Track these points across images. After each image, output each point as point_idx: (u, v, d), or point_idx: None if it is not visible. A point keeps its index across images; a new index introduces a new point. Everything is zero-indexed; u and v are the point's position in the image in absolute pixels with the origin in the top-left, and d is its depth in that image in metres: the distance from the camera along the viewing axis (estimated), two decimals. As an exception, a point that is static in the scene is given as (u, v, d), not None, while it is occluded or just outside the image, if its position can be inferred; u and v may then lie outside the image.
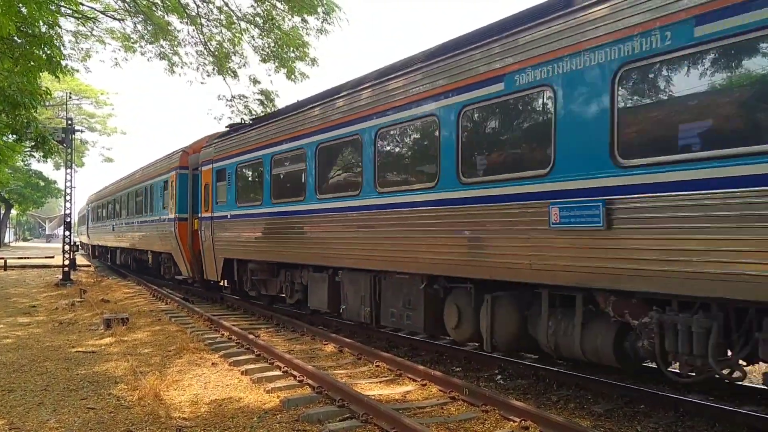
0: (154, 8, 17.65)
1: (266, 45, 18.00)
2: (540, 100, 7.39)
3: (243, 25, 17.86)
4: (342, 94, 11.15)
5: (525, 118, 7.83)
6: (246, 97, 19.85)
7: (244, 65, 18.70)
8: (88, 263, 38.30)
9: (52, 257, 40.41)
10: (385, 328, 11.95)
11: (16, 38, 13.33)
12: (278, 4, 16.91)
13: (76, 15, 19.02)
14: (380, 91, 10.03)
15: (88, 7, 19.04)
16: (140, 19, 18.54)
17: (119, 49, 20.69)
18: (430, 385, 8.26)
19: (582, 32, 6.76)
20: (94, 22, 19.78)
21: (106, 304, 17.68)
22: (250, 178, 14.73)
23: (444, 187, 8.64)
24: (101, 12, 19.44)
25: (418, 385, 8.36)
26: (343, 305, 11.64)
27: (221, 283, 17.93)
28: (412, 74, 9.34)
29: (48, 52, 13.96)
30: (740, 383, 6.90)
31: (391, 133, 9.88)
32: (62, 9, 16.64)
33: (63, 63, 15.30)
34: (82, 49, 21.66)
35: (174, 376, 8.81)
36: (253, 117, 19.37)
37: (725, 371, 6.28)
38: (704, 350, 5.98)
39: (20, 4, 10.61)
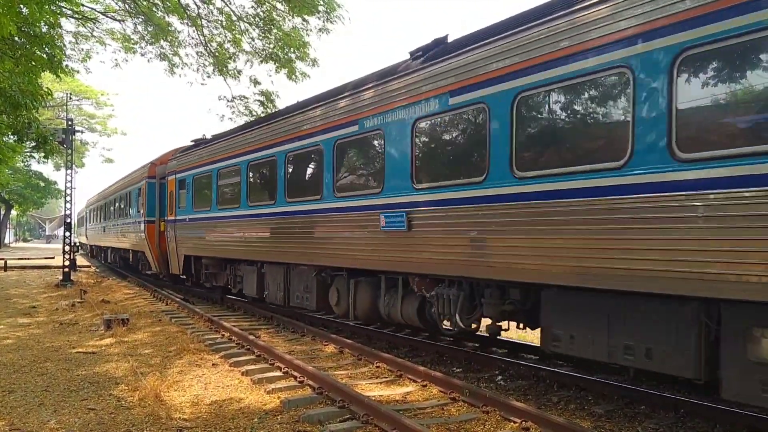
0: (154, 9, 17.62)
1: (266, 46, 17.98)
2: (377, 140, 10.31)
3: (243, 26, 17.84)
4: (264, 124, 14.17)
5: (369, 152, 10.79)
6: (246, 98, 19.85)
7: (249, 63, 18.66)
8: (88, 264, 38.33)
9: (53, 258, 40.44)
10: (386, 329, 12.38)
11: (17, 38, 13.33)
12: (278, 5, 16.90)
13: (76, 16, 19.02)
14: (287, 125, 12.95)
15: (89, 7, 19.06)
16: (141, 20, 18.53)
17: (119, 50, 20.70)
18: (430, 385, 8.27)
19: (396, 95, 9.78)
20: (94, 23, 19.78)
21: (107, 304, 17.69)
22: (203, 188, 17.51)
23: (326, 199, 11.46)
24: (101, 13, 19.44)
25: (418, 385, 8.37)
26: (266, 291, 14.56)
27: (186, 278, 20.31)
28: (307, 113, 12.30)
29: (49, 51, 13.97)
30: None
31: (295, 157, 12.66)
32: (63, 9, 16.64)
33: (64, 63, 15.30)
34: (82, 49, 21.65)
35: (174, 377, 8.82)
36: (253, 117, 19.39)
37: (473, 326, 9.34)
38: (456, 312, 9.01)
39: (21, 5, 10.60)
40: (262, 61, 18.32)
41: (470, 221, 8.30)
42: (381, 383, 8.64)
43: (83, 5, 18.61)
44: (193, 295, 19.73)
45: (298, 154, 12.51)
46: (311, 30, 17.38)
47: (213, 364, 9.66)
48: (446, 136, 9.14)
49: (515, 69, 7.66)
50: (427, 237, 9.05)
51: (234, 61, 18.90)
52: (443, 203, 8.77)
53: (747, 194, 5.45)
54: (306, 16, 16.86)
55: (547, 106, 7.51)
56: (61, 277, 25.81)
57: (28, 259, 42.22)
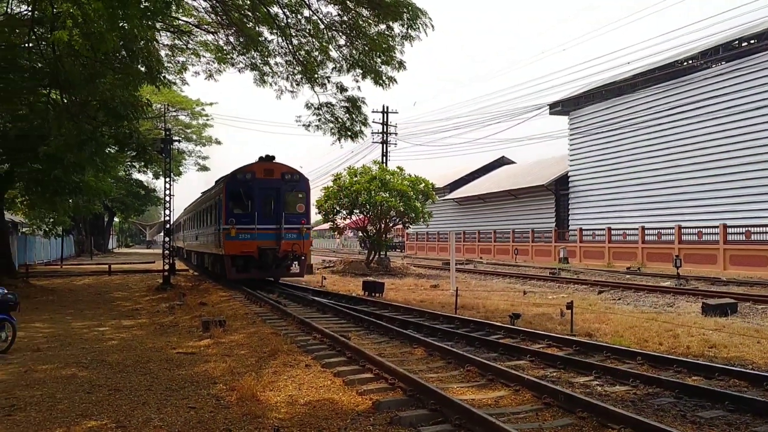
0: (245, 20, 18.09)
1: (353, 52, 18.12)
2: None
3: (330, 34, 18.05)
4: (199, 201, 34.06)
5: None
6: (332, 105, 20.05)
7: (337, 72, 18.85)
8: (186, 267, 39.81)
9: (153, 262, 42.19)
10: (476, 332, 12.09)
11: (117, 54, 13.99)
12: (364, 12, 17.00)
13: (172, 29, 19.78)
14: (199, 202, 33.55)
15: (183, 21, 19.75)
16: (232, 31, 19.06)
17: (212, 61, 21.37)
18: (523, 390, 8.12)
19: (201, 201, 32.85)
20: (189, 36, 20.49)
21: (204, 307, 18.31)
22: (186, 220, 41.94)
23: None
24: (195, 26, 20.10)
25: (510, 390, 8.23)
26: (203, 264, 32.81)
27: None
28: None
29: (148, 64, 14.60)
30: None
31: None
32: (158, 24, 17.34)
33: (162, 75, 15.95)
34: (178, 62, 22.45)
35: (269, 377, 9.02)
36: (339, 125, 19.67)
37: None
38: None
39: (121, 21, 11.11)
40: (349, 68, 18.48)
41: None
42: (472, 387, 8.56)
43: (178, 19, 19.33)
44: (285, 296, 20.22)
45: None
46: (396, 36, 17.39)
47: (306, 366, 9.81)
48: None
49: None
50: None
51: (322, 68, 19.17)
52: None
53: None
54: (390, 23, 16.87)
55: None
56: (161, 281, 26.94)
57: (131, 264, 44.22)
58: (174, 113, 48.13)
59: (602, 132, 49.28)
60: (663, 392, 8.14)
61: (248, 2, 17.31)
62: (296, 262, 24.66)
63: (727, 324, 14.44)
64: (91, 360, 10.93)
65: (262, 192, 23.30)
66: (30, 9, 15.78)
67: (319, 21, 17.80)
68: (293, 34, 18.44)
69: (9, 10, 19.87)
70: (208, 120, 52.27)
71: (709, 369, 9.24)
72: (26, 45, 16.62)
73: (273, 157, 24.36)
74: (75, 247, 61.81)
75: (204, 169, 62.40)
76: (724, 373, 8.98)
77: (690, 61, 42.20)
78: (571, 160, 53.53)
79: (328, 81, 19.41)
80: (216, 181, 27.86)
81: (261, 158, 24.31)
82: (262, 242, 22.82)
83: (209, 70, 21.74)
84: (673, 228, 38.90)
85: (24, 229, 43.38)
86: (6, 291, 12.08)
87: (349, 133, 19.64)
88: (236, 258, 23.10)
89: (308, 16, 17.88)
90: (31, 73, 18.18)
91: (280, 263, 23.75)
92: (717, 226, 35.78)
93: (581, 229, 47.75)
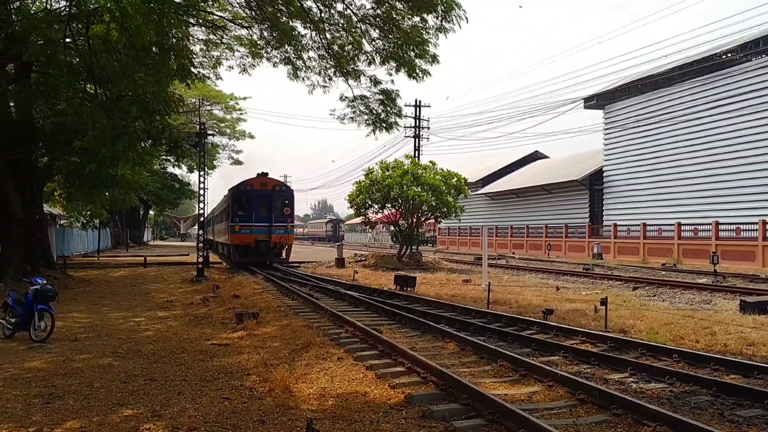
0: (279, 14, 18.12)
1: (386, 45, 18.05)
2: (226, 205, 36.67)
3: (363, 27, 18.01)
4: (220, 203, 43.32)
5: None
6: (367, 98, 19.99)
7: (369, 63, 18.78)
8: (220, 260, 40.22)
9: (187, 255, 42.70)
10: (509, 327, 12.18)
11: (150, 50, 14.10)
12: (398, 4, 16.93)
13: (206, 24, 19.93)
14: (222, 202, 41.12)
15: (218, 16, 19.88)
16: (266, 26, 19.11)
17: (247, 56, 21.48)
18: (556, 386, 8.04)
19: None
20: (223, 31, 20.62)
21: (237, 299, 18.46)
22: (213, 217, 47.61)
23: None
24: (230, 20, 20.21)
25: (544, 386, 8.16)
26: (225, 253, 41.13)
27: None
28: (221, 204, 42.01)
29: (178, 62, 14.71)
30: None
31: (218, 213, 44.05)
32: (192, 18, 17.47)
33: (195, 71, 16.05)
34: (212, 56, 22.63)
35: (302, 370, 9.06)
36: (374, 116, 19.66)
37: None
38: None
39: (156, 16, 11.19)
40: (383, 61, 18.41)
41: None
42: (505, 382, 8.50)
43: (213, 14, 19.47)
44: (317, 290, 20.32)
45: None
46: (430, 29, 17.30)
47: (338, 358, 9.84)
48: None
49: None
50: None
51: (355, 62, 19.13)
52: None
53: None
54: (424, 15, 16.77)
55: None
56: (195, 273, 27.23)
57: (165, 256, 44.80)
58: (208, 107, 48.57)
59: (638, 126, 48.51)
60: (700, 390, 8.01)
61: (282, -4, 17.33)
62: (283, 251, 33.30)
63: (766, 322, 14.14)
64: (127, 350, 11.10)
65: (258, 199, 32.07)
66: (67, 4, 16.01)
67: (352, 14, 17.76)
68: (326, 28, 18.43)
69: (48, 5, 20.21)
70: (241, 114, 52.62)
71: (747, 367, 9.07)
72: (63, 40, 16.86)
73: (267, 173, 33.57)
74: (111, 240, 62.72)
75: (237, 163, 62.90)
76: (763, 372, 8.80)
77: (728, 54, 41.34)
78: (606, 155, 52.85)
79: (363, 74, 19.35)
80: (228, 189, 35.41)
81: (258, 174, 33.17)
82: (258, 236, 31.53)
83: (243, 65, 21.84)
84: (710, 224, 38.21)
85: (62, 222, 44.16)
86: (45, 282, 12.34)
87: (384, 125, 19.63)
88: (239, 247, 32.20)
89: (341, 10, 17.84)
90: (68, 68, 18.46)
91: (271, 251, 32.30)
92: (756, 223, 35.04)
93: (616, 225, 47.16)
